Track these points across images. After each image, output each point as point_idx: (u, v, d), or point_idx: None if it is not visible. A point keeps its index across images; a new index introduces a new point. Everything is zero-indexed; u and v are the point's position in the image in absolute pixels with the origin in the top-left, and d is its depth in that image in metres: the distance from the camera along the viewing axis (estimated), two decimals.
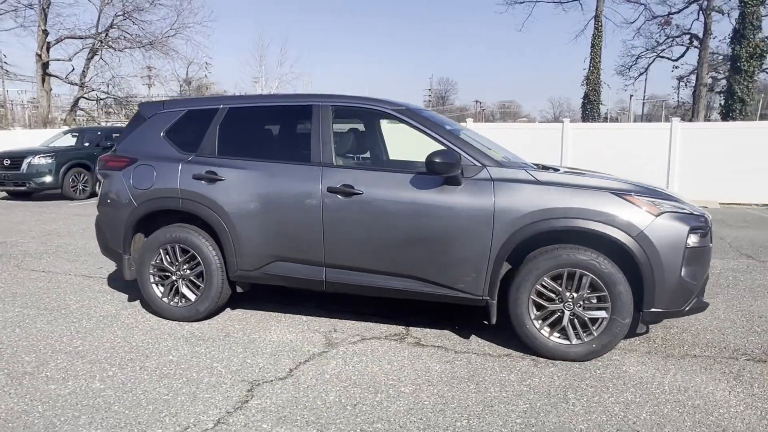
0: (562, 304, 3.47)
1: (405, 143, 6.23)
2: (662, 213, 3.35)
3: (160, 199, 4.12)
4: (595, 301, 3.44)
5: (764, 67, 18.98)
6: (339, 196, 3.74)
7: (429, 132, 3.78)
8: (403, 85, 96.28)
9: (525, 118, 53.86)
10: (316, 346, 3.72)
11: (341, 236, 3.76)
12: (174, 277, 4.16)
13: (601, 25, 21.62)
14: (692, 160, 12.91)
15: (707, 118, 25.48)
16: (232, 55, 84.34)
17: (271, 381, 3.18)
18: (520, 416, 2.80)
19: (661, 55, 26.93)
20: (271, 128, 4.25)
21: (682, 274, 3.34)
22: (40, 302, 4.64)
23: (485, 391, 3.08)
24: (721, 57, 24.17)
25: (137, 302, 4.64)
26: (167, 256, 4.16)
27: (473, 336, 3.93)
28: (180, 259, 4.13)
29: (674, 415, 2.82)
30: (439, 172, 3.51)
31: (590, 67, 21.56)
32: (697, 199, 11.55)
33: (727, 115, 18.55)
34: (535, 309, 3.52)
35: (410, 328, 4.09)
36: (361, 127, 4.71)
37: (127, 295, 4.85)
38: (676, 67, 26.69)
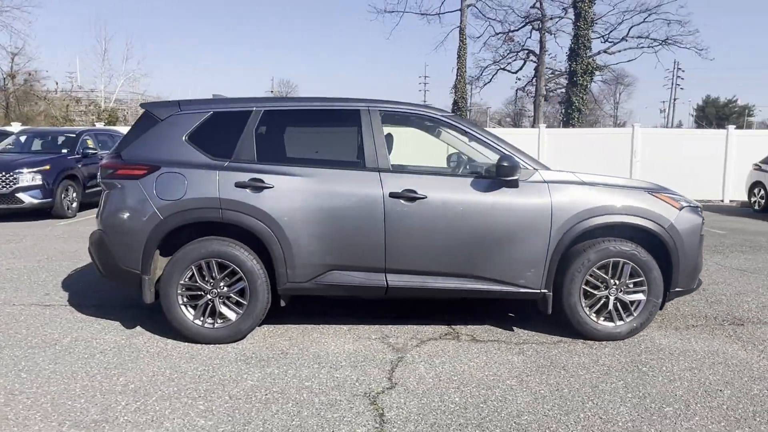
0: (607, 291, 3.92)
1: None
2: (683, 207, 3.98)
3: (196, 211, 3.71)
4: (632, 285, 3.94)
5: (595, 80, 22.47)
6: (402, 201, 3.75)
7: (482, 138, 3.98)
8: (245, 86, 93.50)
9: None
10: (387, 353, 3.69)
11: (404, 241, 3.78)
12: (209, 296, 3.77)
13: (465, 38, 23.54)
14: (559, 162, 14.75)
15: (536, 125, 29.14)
16: (70, 46, 73.50)
17: (383, 392, 3.12)
18: (627, 391, 3.15)
19: (503, 68, 30.13)
20: (314, 132, 4.07)
21: (697, 258, 4.00)
22: (13, 340, 3.84)
23: (577, 375, 3.38)
24: (552, 72, 27.86)
25: (138, 328, 4.09)
26: (200, 273, 3.76)
27: (515, 328, 4.21)
28: (217, 276, 3.76)
29: (731, 374, 3.40)
30: (506, 175, 3.73)
31: (457, 76, 23.36)
32: None
33: (567, 122, 21.52)
34: (584, 297, 3.92)
35: (453, 326, 4.24)
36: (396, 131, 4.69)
37: (117, 322, 4.23)
38: (519, 79, 30.13)
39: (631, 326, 3.94)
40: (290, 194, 3.74)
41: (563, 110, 22.42)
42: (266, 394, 3.06)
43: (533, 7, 27.04)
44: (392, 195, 3.75)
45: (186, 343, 3.79)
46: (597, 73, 22.82)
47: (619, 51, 25.68)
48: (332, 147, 4.12)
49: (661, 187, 4.21)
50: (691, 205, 4.08)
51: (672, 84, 54.81)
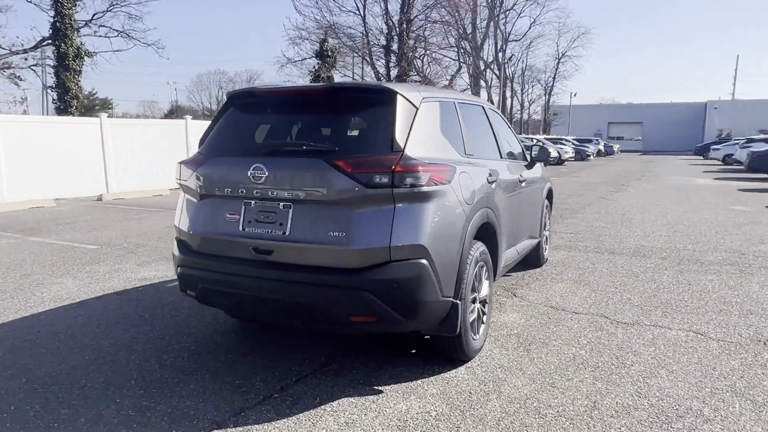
0: (547, 230, 5.96)
1: None
2: None
3: (482, 212, 3.28)
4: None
5: (86, 65, 20.01)
6: (522, 183, 4.52)
7: (511, 130, 5.09)
8: None
9: None
10: (547, 311, 4.47)
11: (520, 216, 4.56)
12: (477, 304, 3.40)
13: None
14: (21, 156, 11.67)
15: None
16: None
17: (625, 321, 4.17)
18: (690, 286, 5.44)
19: None
20: (470, 125, 3.99)
21: None
22: None
23: (640, 281, 5.38)
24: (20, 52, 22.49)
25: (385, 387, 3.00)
26: (474, 279, 3.34)
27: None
28: (483, 279, 3.45)
29: (677, 261, 6.21)
30: (543, 160, 5.13)
31: None
32: (31, 198, 11.37)
33: (65, 110, 18.82)
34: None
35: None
36: None
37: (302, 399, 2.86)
38: None
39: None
40: (500, 185, 3.83)
41: (56, 96, 19.34)
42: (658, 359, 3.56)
43: None
44: (520, 180, 4.46)
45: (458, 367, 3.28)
46: (88, 59, 20.69)
47: (84, 35, 23.81)
48: (484, 138, 4.15)
49: None
50: None
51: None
